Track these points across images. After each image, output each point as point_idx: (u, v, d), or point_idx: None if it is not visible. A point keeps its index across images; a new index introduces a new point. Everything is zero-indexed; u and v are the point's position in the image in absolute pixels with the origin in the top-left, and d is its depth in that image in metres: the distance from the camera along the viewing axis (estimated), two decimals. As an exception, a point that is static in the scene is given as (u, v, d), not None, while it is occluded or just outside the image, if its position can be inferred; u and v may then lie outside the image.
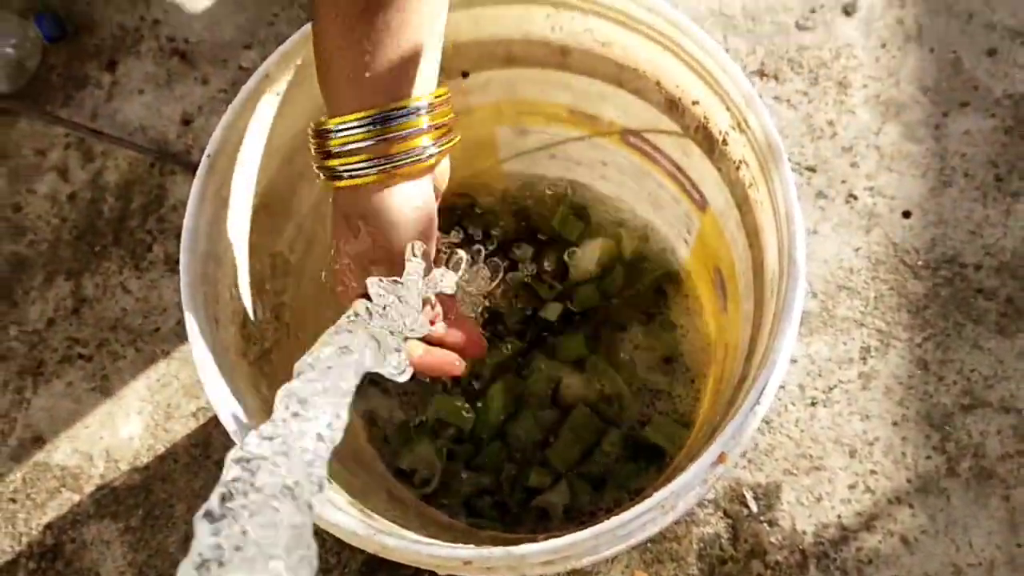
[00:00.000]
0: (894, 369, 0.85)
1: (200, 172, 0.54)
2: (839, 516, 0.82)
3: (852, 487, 0.82)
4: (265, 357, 0.61)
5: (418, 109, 0.49)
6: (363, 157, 0.48)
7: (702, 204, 0.68)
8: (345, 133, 0.48)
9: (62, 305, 0.94)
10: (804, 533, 0.82)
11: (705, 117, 0.59)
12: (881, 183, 0.89)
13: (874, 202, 0.89)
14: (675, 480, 0.47)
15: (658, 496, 0.46)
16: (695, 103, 0.59)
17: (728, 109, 0.55)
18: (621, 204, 0.78)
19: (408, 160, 0.49)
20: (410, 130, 0.48)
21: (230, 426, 0.50)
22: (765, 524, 0.82)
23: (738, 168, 0.58)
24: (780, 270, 0.52)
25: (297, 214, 0.66)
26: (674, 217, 0.74)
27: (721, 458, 0.49)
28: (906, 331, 0.85)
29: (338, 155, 0.49)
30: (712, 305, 0.75)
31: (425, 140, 0.49)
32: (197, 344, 0.51)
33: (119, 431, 0.90)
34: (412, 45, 0.48)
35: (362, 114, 0.48)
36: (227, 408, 0.50)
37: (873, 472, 0.83)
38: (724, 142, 0.58)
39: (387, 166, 0.48)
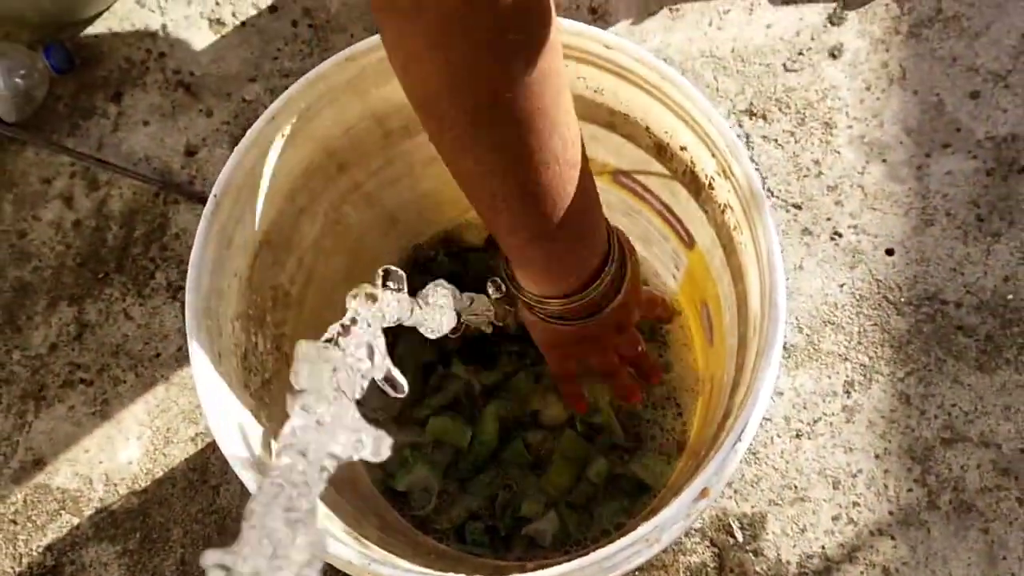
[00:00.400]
0: (877, 403, 0.87)
1: (206, 212, 0.56)
2: (823, 547, 0.84)
3: (836, 518, 0.84)
4: (265, 387, 0.63)
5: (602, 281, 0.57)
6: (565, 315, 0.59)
7: (689, 242, 0.70)
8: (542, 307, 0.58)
9: (65, 330, 0.96)
10: (788, 563, 0.83)
11: (692, 162, 0.61)
12: (865, 221, 0.92)
13: (858, 239, 0.91)
14: (659, 514, 0.49)
15: (642, 530, 0.48)
16: (683, 148, 0.61)
17: (714, 156, 0.58)
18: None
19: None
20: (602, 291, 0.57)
21: (233, 457, 0.52)
22: (751, 554, 0.84)
23: (723, 211, 0.60)
24: (762, 312, 0.54)
25: (298, 248, 0.68)
26: (663, 253, 0.77)
27: (704, 493, 0.51)
28: (889, 366, 0.88)
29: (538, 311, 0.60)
30: (700, 339, 0.77)
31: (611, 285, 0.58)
32: (201, 377, 0.53)
33: (118, 455, 0.92)
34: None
35: (558, 304, 0.57)
36: (229, 438, 0.52)
37: (856, 504, 0.84)
38: (710, 186, 0.61)
39: (588, 321, 0.59)
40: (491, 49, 0.40)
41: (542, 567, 0.48)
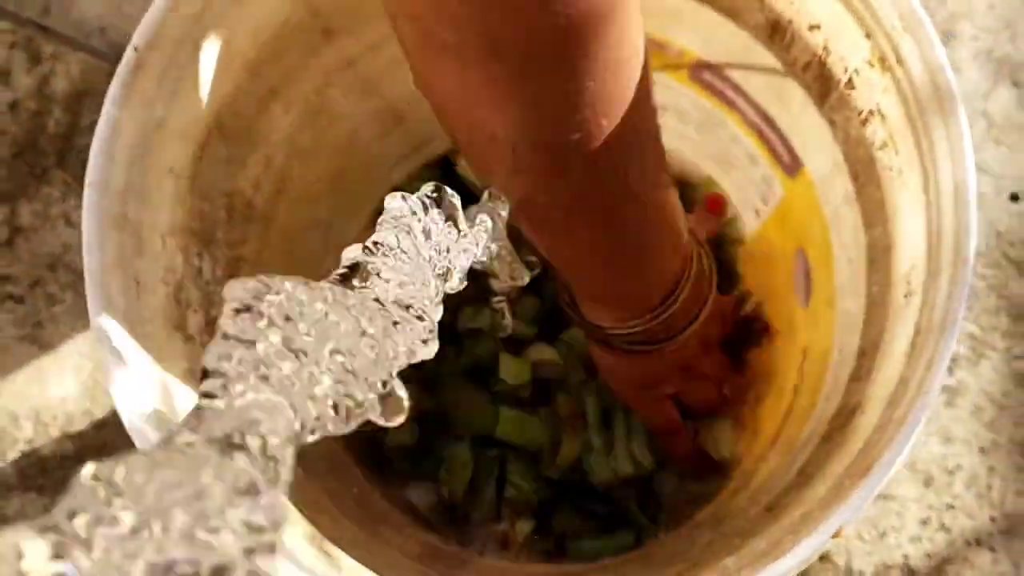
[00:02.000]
0: (986, 384, 0.71)
1: (121, 71, 0.38)
2: (905, 556, 0.69)
3: (924, 523, 0.69)
4: (209, 328, 0.46)
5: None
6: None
7: (792, 167, 0.52)
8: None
9: (-7, 234, 0.79)
10: (861, 573, 0.69)
11: (826, 47, 0.43)
12: (987, 157, 0.74)
13: (978, 179, 0.73)
14: (784, 559, 0.32)
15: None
16: (814, 27, 0.43)
17: (869, 36, 0.39)
18: (680, 163, 0.63)
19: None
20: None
21: (134, 427, 0.35)
22: (817, 560, 0.68)
23: (865, 122, 0.42)
24: (930, 269, 0.36)
25: (265, 144, 0.50)
26: (747, 181, 0.59)
27: (838, 533, 0.34)
28: (1004, 339, 0.71)
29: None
30: (785, 296, 0.59)
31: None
32: (99, 314, 0.36)
33: (51, 389, 0.77)
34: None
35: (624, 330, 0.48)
36: (134, 402, 0.36)
37: (951, 507, 0.69)
38: (850, 84, 0.42)
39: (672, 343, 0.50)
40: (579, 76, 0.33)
41: None
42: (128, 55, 0.39)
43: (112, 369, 0.37)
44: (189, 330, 0.45)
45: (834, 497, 0.35)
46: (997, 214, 0.73)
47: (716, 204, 0.63)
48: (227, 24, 0.43)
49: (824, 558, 0.69)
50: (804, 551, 0.33)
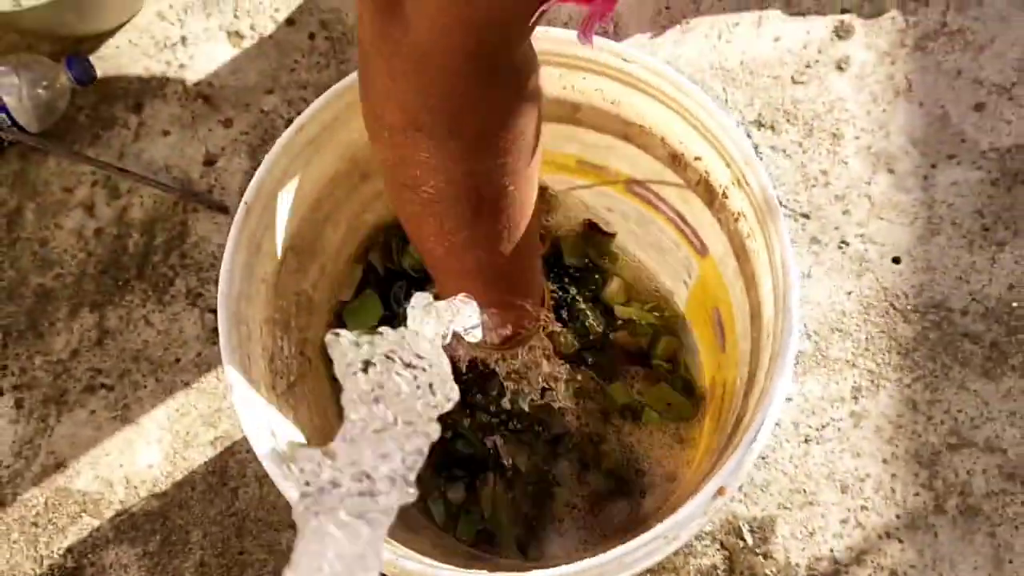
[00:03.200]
0: (884, 408, 0.88)
1: (237, 219, 0.58)
2: (831, 550, 0.85)
3: (844, 522, 0.86)
4: (291, 390, 0.65)
5: None
6: None
7: (703, 251, 0.72)
8: None
9: (86, 336, 0.98)
10: (797, 566, 0.85)
11: (706, 172, 0.63)
12: (872, 230, 0.94)
13: (865, 248, 0.93)
14: (678, 511, 0.50)
15: (661, 527, 0.50)
16: (697, 159, 0.63)
17: (728, 166, 0.59)
18: (623, 249, 0.83)
19: None
20: None
21: (263, 454, 0.54)
22: (760, 556, 0.85)
23: (736, 220, 0.62)
24: (776, 317, 0.56)
25: (322, 255, 0.70)
26: (675, 261, 0.78)
27: (721, 491, 0.52)
28: (896, 372, 0.89)
29: None
30: (710, 344, 0.78)
31: None
32: (234, 379, 0.55)
33: (138, 459, 0.93)
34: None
35: None
36: (260, 437, 0.54)
37: (864, 508, 0.86)
38: (724, 195, 0.62)
39: None
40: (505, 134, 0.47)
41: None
42: (241, 207, 0.59)
43: (240, 408, 0.55)
44: (278, 390, 0.63)
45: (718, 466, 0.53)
46: (883, 274, 0.92)
47: None
48: (300, 179, 0.63)
49: (766, 555, 0.86)
50: (702, 498, 0.51)
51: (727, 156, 0.59)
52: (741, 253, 0.63)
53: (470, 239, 0.52)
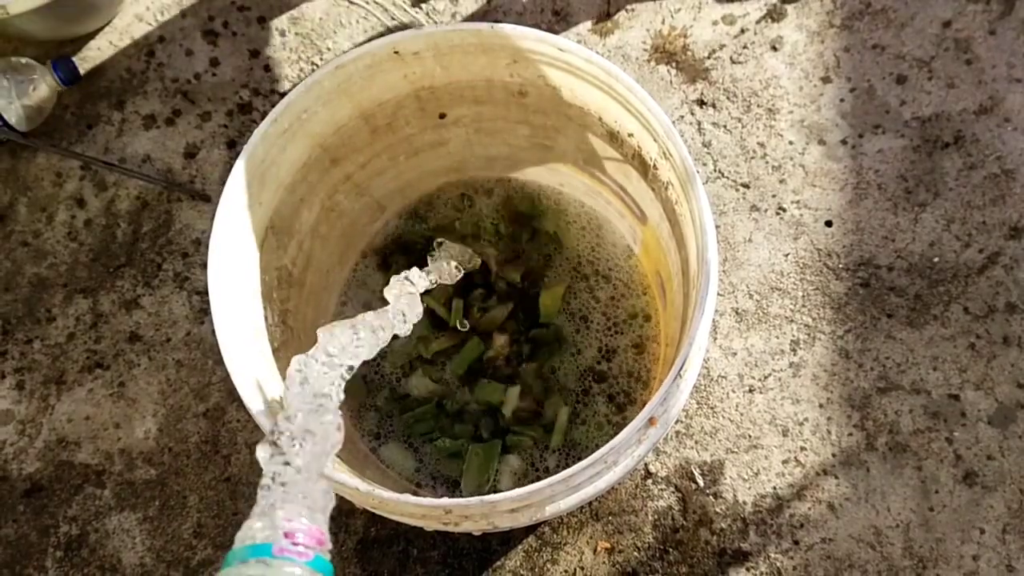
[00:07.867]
0: (820, 359, 0.97)
1: (221, 206, 0.65)
2: (774, 487, 0.94)
3: (785, 462, 0.94)
4: (275, 355, 0.72)
5: None
6: None
7: (643, 218, 0.80)
8: None
9: (81, 320, 1.04)
10: (745, 504, 0.93)
11: (639, 146, 0.71)
12: (806, 197, 1.02)
13: (800, 213, 1.01)
14: (614, 438, 0.58)
15: (599, 452, 0.58)
16: (630, 135, 0.71)
17: (655, 140, 0.67)
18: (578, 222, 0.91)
19: None
20: None
21: (255, 407, 0.61)
22: (711, 497, 0.94)
23: (666, 188, 0.70)
24: (698, 270, 0.64)
25: (298, 234, 0.77)
26: (624, 229, 0.86)
27: (652, 421, 0.60)
28: (830, 325, 0.98)
29: None
30: (655, 302, 0.87)
31: None
32: (228, 344, 0.62)
33: (135, 432, 1.00)
34: None
35: None
36: (249, 391, 0.62)
37: (803, 448, 0.95)
38: (655, 167, 0.70)
39: None
40: None
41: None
42: (224, 193, 0.66)
43: (233, 371, 0.63)
44: (263, 354, 0.71)
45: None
46: (817, 237, 1.01)
47: None
48: (275, 166, 0.70)
49: (716, 495, 0.94)
50: (638, 422, 0.59)
51: (652, 131, 0.67)
52: (672, 218, 0.71)
53: None
